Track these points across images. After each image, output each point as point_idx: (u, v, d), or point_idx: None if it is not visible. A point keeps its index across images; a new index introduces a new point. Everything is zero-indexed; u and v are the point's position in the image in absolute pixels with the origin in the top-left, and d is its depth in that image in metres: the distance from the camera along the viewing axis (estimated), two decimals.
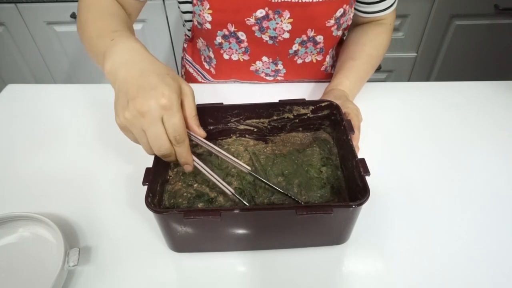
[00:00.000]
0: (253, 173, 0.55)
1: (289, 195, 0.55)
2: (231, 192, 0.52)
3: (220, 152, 0.53)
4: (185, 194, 0.56)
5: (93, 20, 0.61)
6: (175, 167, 0.60)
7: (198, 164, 0.51)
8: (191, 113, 0.49)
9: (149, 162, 0.53)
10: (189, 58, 0.92)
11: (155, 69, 0.47)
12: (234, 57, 0.80)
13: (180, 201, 0.55)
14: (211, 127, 0.64)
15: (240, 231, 0.51)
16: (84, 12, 0.64)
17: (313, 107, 0.62)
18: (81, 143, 0.72)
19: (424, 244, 0.55)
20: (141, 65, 0.48)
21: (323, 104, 0.62)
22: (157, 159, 0.54)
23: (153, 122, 0.44)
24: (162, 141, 0.45)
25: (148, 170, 0.51)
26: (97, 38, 0.56)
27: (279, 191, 0.55)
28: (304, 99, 0.62)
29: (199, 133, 0.50)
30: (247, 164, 0.59)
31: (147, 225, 0.58)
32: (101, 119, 0.77)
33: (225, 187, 0.51)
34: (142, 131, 0.45)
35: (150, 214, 0.48)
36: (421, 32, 1.42)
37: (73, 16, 1.31)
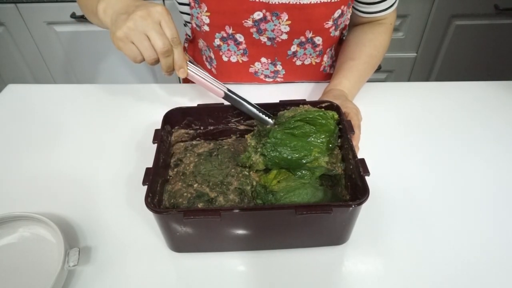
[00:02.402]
0: (229, 93, 0.59)
1: (263, 110, 0.60)
2: (224, 91, 0.57)
3: (201, 70, 0.59)
4: (185, 194, 0.56)
5: None
6: (175, 167, 0.60)
7: (191, 69, 0.57)
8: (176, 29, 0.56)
9: (149, 162, 0.53)
10: (190, 58, 0.92)
11: (144, 1, 0.56)
12: (233, 59, 0.80)
13: (180, 201, 0.55)
14: (212, 127, 0.64)
15: (240, 231, 0.51)
16: None
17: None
18: (81, 143, 0.72)
19: (424, 244, 0.55)
20: None
21: (323, 105, 0.62)
22: (157, 159, 0.54)
23: (154, 22, 0.52)
24: (164, 38, 0.53)
25: (148, 170, 0.51)
26: None
27: (255, 106, 0.60)
28: (305, 100, 0.62)
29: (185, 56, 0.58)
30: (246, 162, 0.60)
31: (147, 225, 0.58)
32: (101, 119, 0.77)
33: (217, 87, 0.58)
34: (144, 34, 0.52)
35: (150, 214, 0.48)
36: (421, 32, 1.42)
37: (73, 16, 1.31)
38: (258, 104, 0.61)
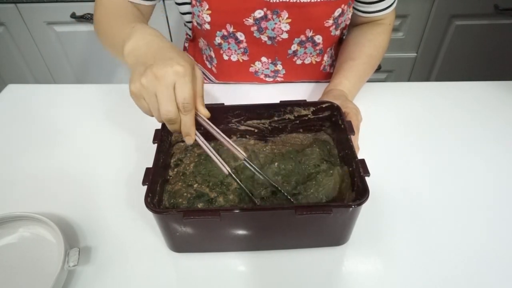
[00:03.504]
0: (247, 160, 0.54)
1: (282, 191, 0.55)
2: (228, 171, 0.52)
3: (219, 134, 0.53)
4: (185, 194, 0.56)
5: (113, 17, 0.66)
6: (175, 167, 0.60)
7: (199, 138, 0.52)
8: (199, 92, 0.51)
9: (149, 162, 0.53)
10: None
11: (173, 47, 0.51)
12: (234, 58, 0.80)
13: (180, 201, 0.55)
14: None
15: (240, 232, 0.51)
16: (101, 12, 0.69)
17: (313, 108, 0.62)
18: (81, 143, 0.72)
19: (425, 245, 0.55)
20: (160, 43, 0.51)
21: (323, 106, 0.62)
22: (157, 160, 0.54)
23: (166, 86, 0.46)
24: (170, 106, 0.47)
25: (148, 170, 0.51)
26: (117, 30, 0.60)
27: (273, 185, 0.55)
28: (305, 100, 0.62)
29: (204, 112, 0.52)
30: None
31: (147, 225, 0.58)
32: (101, 119, 0.77)
33: (222, 165, 0.52)
34: (154, 96, 0.47)
35: (150, 214, 0.48)
36: (421, 32, 1.42)
37: (73, 16, 1.31)
38: (259, 105, 0.61)
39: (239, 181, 0.53)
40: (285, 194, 0.54)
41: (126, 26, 0.59)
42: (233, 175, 0.52)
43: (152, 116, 0.50)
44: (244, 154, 0.53)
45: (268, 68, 0.82)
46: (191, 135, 0.50)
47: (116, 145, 0.71)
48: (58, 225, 0.53)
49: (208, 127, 0.52)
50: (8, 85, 0.87)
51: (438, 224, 0.57)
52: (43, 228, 0.56)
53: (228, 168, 0.51)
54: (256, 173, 0.55)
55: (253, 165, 0.55)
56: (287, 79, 0.84)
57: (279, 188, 0.55)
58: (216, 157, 0.51)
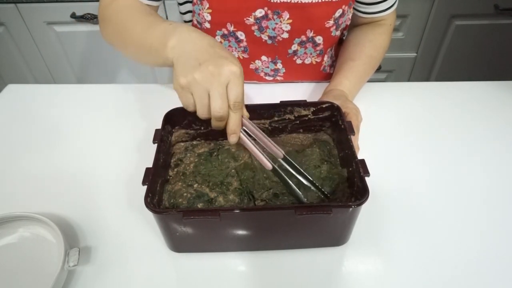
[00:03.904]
0: (286, 157, 0.55)
1: (319, 186, 0.55)
2: (272, 165, 0.52)
3: (260, 132, 0.54)
4: (185, 194, 0.56)
5: (132, 15, 0.64)
6: (175, 167, 0.60)
7: (244, 136, 0.52)
8: (243, 93, 0.51)
9: (149, 162, 0.53)
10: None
11: (222, 46, 0.52)
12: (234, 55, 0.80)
13: (180, 201, 0.55)
14: (212, 127, 0.64)
15: (240, 232, 0.51)
16: (112, 10, 0.66)
17: (314, 109, 0.62)
18: (81, 143, 0.72)
19: (425, 245, 0.55)
20: (208, 40, 0.51)
21: (324, 106, 0.62)
22: (157, 159, 0.54)
23: (221, 84, 0.47)
24: (224, 103, 0.48)
25: (148, 170, 0.51)
26: (147, 29, 0.58)
27: (311, 180, 0.55)
28: (305, 100, 0.62)
29: (246, 113, 0.53)
30: (245, 163, 0.60)
31: (147, 225, 0.58)
32: (101, 119, 0.77)
33: (267, 160, 0.52)
34: (206, 92, 0.47)
35: (150, 214, 0.48)
36: (421, 32, 1.42)
37: (73, 16, 1.31)
38: (259, 105, 0.61)
39: (284, 176, 0.54)
40: (322, 190, 0.55)
41: (157, 22, 0.58)
42: (278, 169, 0.53)
43: (192, 110, 0.50)
44: (283, 152, 0.54)
45: (268, 67, 0.82)
46: (237, 133, 0.51)
47: (116, 145, 0.71)
48: (58, 225, 0.53)
49: (249, 125, 0.53)
50: (8, 85, 0.87)
51: (438, 224, 0.58)
52: (43, 228, 0.56)
53: (272, 163, 0.52)
54: (293, 171, 0.55)
55: (293, 162, 0.55)
56: (287, 78, 0.84)
57: (317, 184, 0.55)
58: (261, 153, 0.52)
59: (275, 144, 0.54)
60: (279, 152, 0.54)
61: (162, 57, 0.53)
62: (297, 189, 0.54)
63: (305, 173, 0.55)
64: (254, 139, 0.54)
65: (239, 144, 0.63)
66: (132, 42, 0.62)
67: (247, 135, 0.52)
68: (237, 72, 0.48)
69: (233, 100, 0.48)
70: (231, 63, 0.48)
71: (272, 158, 0.54)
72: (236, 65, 0.48)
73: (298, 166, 0.55)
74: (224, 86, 0.47)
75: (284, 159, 0.55)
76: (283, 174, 0.54)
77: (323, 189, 0.55)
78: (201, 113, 0.49)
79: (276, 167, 0.53)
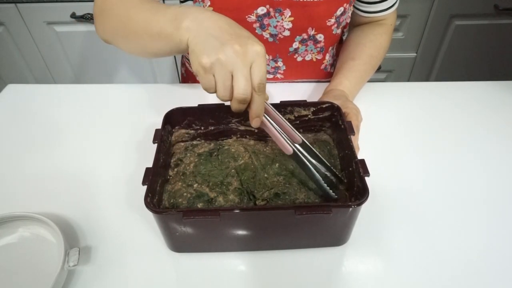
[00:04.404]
0: (306, 142, 0.54)
1: (336, 172, 0.55)
2: (293, 149, 0.51)
3: (279, 116, 0.53)
4: (185, 194, 0.56)
5: (139, 6, 0.59)
6: (175, 167, 0.60)
7: (267, 119, 0.50)
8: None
9: (149, 162, 0.53)
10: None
11: (239, 25, 0.49)
12: None
13: (179, 201, 0.55)
14: (212, 128, 0.64)
15: (240, 232, 0.51)
16: (119, 5, 0.61)
17: (314, 109, 0.62)
18: (81, 143, 0.72)
19: (425, 245, 0.55)
20: (226, 19, 0.49)
21: (324, 106, 0.62)
22: (157, 159, 0.54)
23: (245, 64, 0.45)
24: (248, 84, 0.45)
25: (148, 170, 0.51)
26: (154, 15, 0.54)
27: (326, 163, 0.55)
28: (305, 101, 0.62)
29: (266, 95, 0.51)
30: (245, 163, 0.60)
31: (147, 225, 0.58)
32: (101, 119, 0.77)
33: (288, 144, 0.51)
34: (229, 72, 0.45)
35: (150, 214, 0.48)
36: (421, 32, 1.42)
37: (73, 16, 1.31)
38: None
39: (305, 160, 0.52)
40: (339, 176, 0.55)
41: (164, 7, 0.54)
42: (298, 153, 0.52)
43: (212, 93, 0.48)
44: (302, 137, 0.54)
45: (268, 65, 0.82)
46: (260, 117, 0.49)
47: (116, 145, 0.71)
48: (58, 225, 0.53)
49: (268, 108, 0.52)
50: (8, 85, 0.87)
51: (438, 224, 0.58)
52: (43, 228, 0.56)
53: (293, 147, 0.51)
54: (311, 158, 0.54)
55: (312, 147, 0.54)
56: (287, 76, 0.84)
57: (334, 170, 0.55)
58: (283, 137, 0.51)
59: (294, 129, 0.53)
60: (298, 137, 0.53)
61: (174, 41, 0.50)
62: (316, 173, 0.53)
63: (323, 159, 0.55)
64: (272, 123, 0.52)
65: (240, 143, 0.64)
66: (137, 32, 0.57)
67: (270, 119, 0.51)
68: (262, 52, 0.45)
69: (257, 81, 0.45)
70: (255, 43, 0.46)
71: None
72: (260, 45, 0.46)
73: (317, 152, 0.54)
74: (248, 66, 0.45)
75: (303, 144, 0.54)
76: (303, 159, 0.52)
77: (340, 175, 0.55)
78: (223, 95, 0.47)
79: (297, 151, 0.52)
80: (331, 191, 0.53)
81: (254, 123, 0.49)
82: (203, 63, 0.45)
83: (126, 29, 0.59)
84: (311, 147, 0.55)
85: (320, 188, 0.54)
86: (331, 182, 0.55)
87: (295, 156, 0.52)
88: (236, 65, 0.45)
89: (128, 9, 0.59)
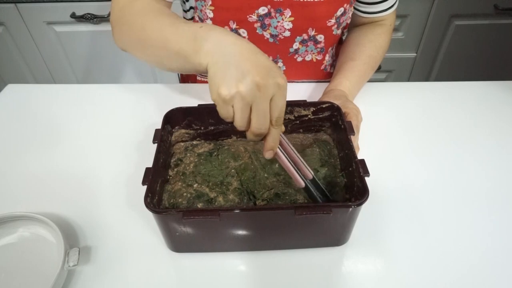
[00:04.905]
0: (315, 178, 0.54)
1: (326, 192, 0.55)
2: (305, 183, 0.51)
3: (292, 149, 0.52)
4: (184, 194, 0.56)
5: (151, 15, 0.58)
6: (175, 167, 0.60)
7: (280, 151, 0.50)
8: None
9: (149, 162, 0.53)
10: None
11: (262, 52, 0.47)
12: None
13: (179, 201, 0.55)
14: (212, 128, 0.64)
15: (239, 232, 0.51)
16: (128, 11, 0.61)
17: (314, 109, 0.62)
18: (81, 143, 0.72)
19: (425, 245, 0.55)
20: (249, 45, 0.46)
21: (324, 106, 0.62)
22: (157, 159, 0.54)
23: (266, 98, 0.43)
24: (266, 119, 0.44)
25: (148, 170, 0.51)
26: (172, 32, 0.52)
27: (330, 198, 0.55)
28: (305, 101, 0.62)
29: (283, 127, 0.49)
30: (245, 164, 0.60)
31: (147, 225, 0.58)
32: (101, 119, 0.77)
33: (300, 177, 0.50)
34: (248, 105, 0.43)
35: (150, 214, 0.48)
36: (421, 32, 1.42)
37: (73, 16, 1.31)
38: None
39: (315, 195, 0.52)
40: (328, 195, 0.55)
41: (183, 24, 0.52)
42: (309, 187, 0.52)
43: (230, 121, 0.46)
44: (312, 173, 0.53)
45: None
46: (274, 149, 0.48)
47: (116, 145, 0.71)
48: (58, 225, 0.53)
49: (282, 140, 0.51)
50: (8, 85, 0.87)
51: (438, 224, 0.58)
52: (43, 228, 0.56)
53: (305, 181, 0.51)
54: (317, 194, 0.53)
55: (319, 182, 0.54)
56: (287, 76, 0.84)
57: (328, 193, 0.55)
58: (295, 169, 0.50)
59: (305, 163, 0.52)
60: (309, 173, 0.53)
61: (193, 63, 0.48)
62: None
63: (328, 194, 0.55)
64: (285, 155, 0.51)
65: (240, 143, 0.64)
66: (155, 47, 0.55)
67: (284, 152, 0.50)
68: (283, 85, 0.44)
69: (276, 115, 0.44)
70: (278, 75, 0.44)
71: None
72: (282, 77, 0.44)
73: (325, 189, 0.54)
74: (268, 100, 0.44)
75: (313, 180, 0.53)
76: (314, 193, 0.52)
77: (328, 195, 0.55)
78: (240, 126, 0.45)
79: (309, 185, 0.51)
80: None
81: (267, 155, 0.48)
82: (223, 94, 0.43)
83: (143, 42, 0.57)
84: (319, 183, 0.54)
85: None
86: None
87: (306, 190, 0.52)
88: (256, 99, 0.43)
89: (146, 22, 0.57)
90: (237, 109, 0.44)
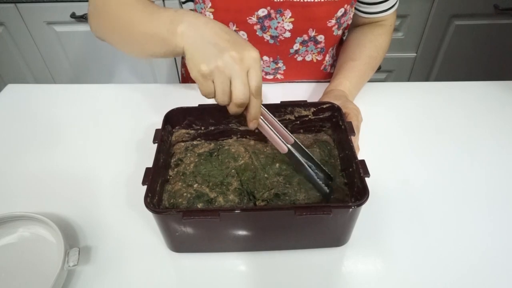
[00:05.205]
0: (297, 142, 0.55)
1: (326, 171, 0.56)
2: (288, 148, 0.53)
3: (273, 118, 0.55)
4: (185, 194, 0.56)
5: (134, 6, 0.58)
6: (176, 167, 0.60)
7: (263, 121, 0.53)
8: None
9: (149, 162, 0.53)
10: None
11: (233, 31, 0.51)
12: None
13: (179, 201, 0.55)
14: (212, 128, 0.64)
15: (239, 232, 0.51)
16: (113, 4, 0.60)
17: (314, 109, 0.62)
18: (81, 143, 0.72)
19: (425, 245, 0.55)
20: (221, 25, 0.50)
21: (324, 106, 0.62)
22: (157, 159, 0.54)
23: (243, 70, 0.47)
24: (246, 89, 0.47)
25: (148, 170, 0.51)
26: (149, 17, 0.54)
27: (316, 161, 0.56)
28: (306, 101, 0.62)
29: (261, 98, 0.52)
30: (245, 164, 0.60)
31: (147, 225, 0.58)
32: (101, 119, 0.77)
33: (282, 142, 0.53)
34: (228, 78, 0.47)
35: (150, 214, 0.48)
36: (421, 32, 1.42)
37: (73, 16, 1.31)
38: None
39: (299, 158, 0.54)
40: (329, 174, 0.56)
41: (159, 9, 0.54)
42: (292, 151, 0.53)
43: (211, 98, 0.49)
44: (293, 137, 0.56)
45: (269, 66, 0.82)
46: (257, 119, 0.51)
47: (116, 145, 0.71)
48: (58, 225, 0.53)
49: (263, 111, 0.54)
50: (8, 85, 0.87)
51: (438, 225, 0.57)
52: (43, 228, 0.56)
53: (288, 146, 0.53)
54: (301, 159, 0.55)
55: (303, 146, 0.56)
56: (287, 76, 0.84)
57: (325, 170, 0.56)
58: (278, 137, 0.53)
59: (286, 130, 0.55)
60: (290, 138, 0.55)
61: (169, 46, 0.50)
62: (311, 171, 0.54)
63: (314, 158, 0.56)
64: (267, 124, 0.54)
65: (241, 143, 0.64)
66: (131, 33, 0.57)
67: (266, 122, 0.53)
68: (257, 58, 0.47)
69: (254, 86, 0.47)
70: (252, 49, 0.47)
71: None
72: (256, 50, 0.48)
73: (308, 151, 0.56)
74: (246, 72, 0.47)
75: (294, 144, 0.56)
76: (298, 157, 0.54)
77: (330, 173, 0.56)
78: (222, 100, 0.49)
79: (292, 150, 0.54)
80: (324, 186, 0.55)
81: (252, 125, 0.51)
82: (202, 70, 0.46)
83: (120, 29, 0.59)
84: (302, 146, 0.56)
85: (314, 184, 0.55)
86: (323, 179, 0.57)
87: (289, 154, 0.54)
88: (234, 72, 0.46)
89: (122, 8, 0.59)
90: (217, 84, 0.47)
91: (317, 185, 0.55)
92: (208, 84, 0.48)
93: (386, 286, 0.51)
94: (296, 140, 0.56)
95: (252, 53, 0.47)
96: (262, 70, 0.83)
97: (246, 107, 0.49)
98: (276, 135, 0.53)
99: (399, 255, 0.54)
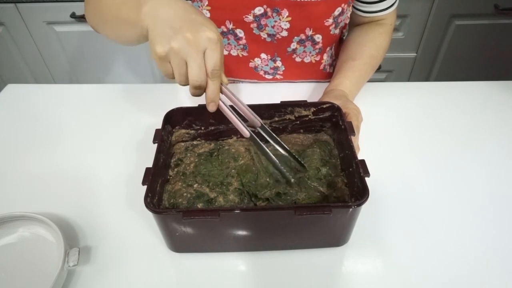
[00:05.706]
0: (264, 126, 0.55)
1: (294, 155, 0.56)
2: (250, 133, 0.52)
3: (238, 101, 0.54)
4: (185, 194, 0.56)
5: None
6: (176, 167, 0.60)
7: (223, 104, 0.51)
8: (222, 60, 0.50)
9: (149, 162, 0.53)
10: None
11: (197, 11, 0.49)
12: (233, 53, 0.80)
13: (179, 201, 0.55)
14: (212, 128, 0.64)
15: (239, 232, 0.51)
16: None
17: (314, 109, 0.62)
18: (81, 143, 0.72)
19: (425, 245, 0.55)
20: (183, 5, 0.49)
21: (324, 106, 0.62)
22: (157, 159, 0.54)
23: (198, 52, 0.46)
24: (201, 71, 0.47)
25: (148, 170, 0.51)
26: (124, 1, 0.54)
27: (286, 149, 0.56)
28: (306, 101, 0.62)
29: (225, 80, 0.52)
30: (247, 165, 0.60)
31: (147, 225, 0.58)
32: (101, 119, 0.77)
33: (245, 127, 0.52)
34: (183, 60, 0.46)
35: (150, 214, 0.48)
36: (421, 32, 1.42)
37: (73, 16, 1.31)
38: (259, 105, 0.61)
39: (261, 143, 0.53)
40: (298, 159, 0.56)
41: None
42: (255, 136, 0.52)
43: (172, 79, 0.49)
44: (260, 120, 0.55)
45: (267, 65, 0.82)
46: (215, 102, 0.50)
47: (116, 145, 0.71)
48: (58, 225, 0.53)
49: (228, 92, 0.53)
50: (7, 85, 0.87)
51: (438, 225, 0.57)
52: (43, 228, 0.56)
53: (250, 131, 0.52)
54: (271, 140, 0.55)
55: (270, 131, 0.55)
56: (286, 77, 0.84)
57: (293, 153, 0.56)
58: (240, 121, 0.52)
59: (253, 113, 0.54)
60: (257, 121, 0.55)
61: (138, 28, 0.50)
62: (273, 156, 0.54)
63: (281, 142, 0.56)
64: (233, 107, 0.53)
65: (241, 143, 0.64)
66: (110, 19, 0.58)
67: (225, 103, 0.52)
68: (214, 38, 0.46)
69: (210, 68, 0.47)
70: (208, 29, 0.46)
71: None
72: (213, 31, 0.46)
73: (274, 135, 0.56)
74: (201, 53, 0.46)
75: (262, 127, 0.55)
76: (260, 142, 0.53)
77: (299, 159, 0.56)
78: (180, 81, 0.48)
79: (254, 135, 0.52)
80: (288, 173, 0.55)
81: (209, 107, 0.50)
82: (158, 52, 0.46)
83: (102, 16, 0.60)
84: (269, 130, 0.55)
85: (279, 170, 0.55)
86: (293, 167, 0.57)
87: (252, 139, 0.53)
88: (188, 53, 0.46)
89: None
90: (174, 65, 0.47)
91: (281, 171, 0.54)
92: (165, 65, 0.47)
93: (386, 286, 0.51)
94: (264, 124, 0.55)
95: (209, 34, 0.46)
96: (262, 69, 0.83)
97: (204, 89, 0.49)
98: (238, 118, 0.52)
99: (399, 255, 0.54)
